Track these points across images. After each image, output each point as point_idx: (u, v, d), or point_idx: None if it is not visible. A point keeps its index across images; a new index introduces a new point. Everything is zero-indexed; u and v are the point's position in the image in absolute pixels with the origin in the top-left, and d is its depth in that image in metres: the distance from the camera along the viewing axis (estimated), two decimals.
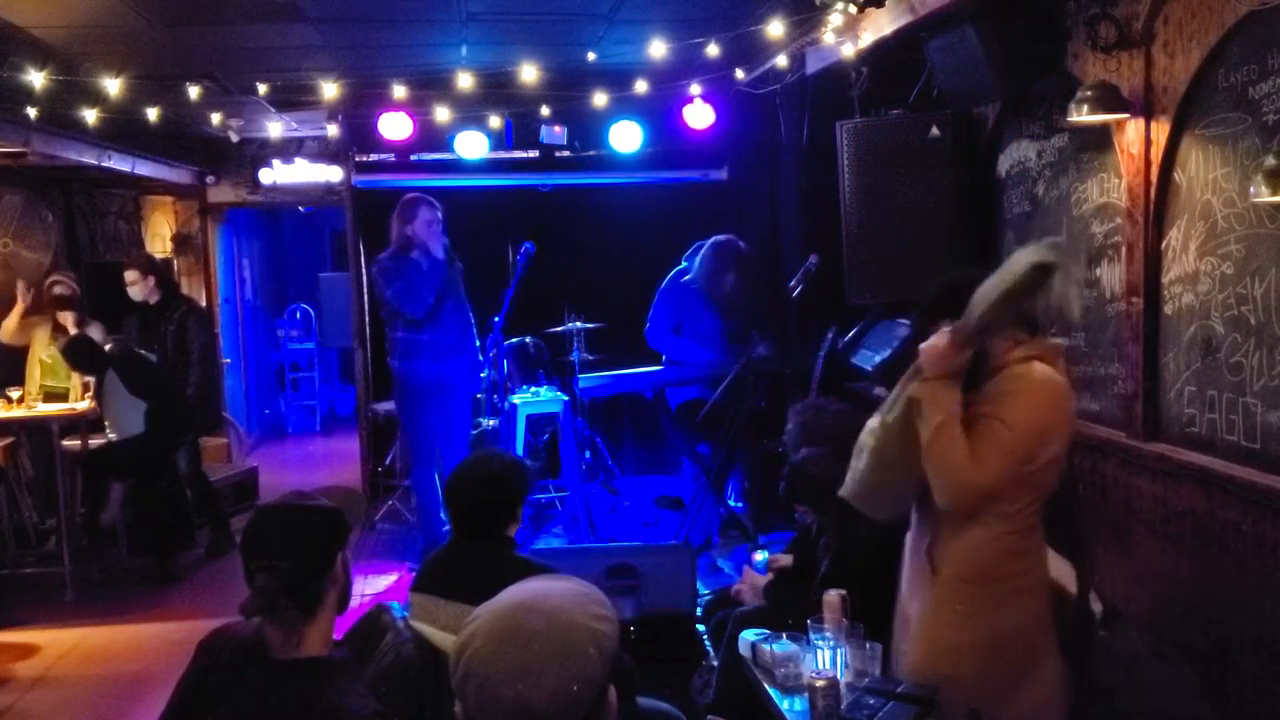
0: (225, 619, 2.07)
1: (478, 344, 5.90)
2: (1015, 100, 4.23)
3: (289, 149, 8.35)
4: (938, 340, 2.44)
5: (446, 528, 5.50)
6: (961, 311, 2.49)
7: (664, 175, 6.94)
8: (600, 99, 5.84)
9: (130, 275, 6.31)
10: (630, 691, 2.61)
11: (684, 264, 6.03)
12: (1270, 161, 2.65)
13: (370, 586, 5.43)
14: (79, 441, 6.01)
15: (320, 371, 11.34)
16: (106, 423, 5.89)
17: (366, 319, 7.18)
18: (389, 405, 6.99)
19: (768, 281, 6.22)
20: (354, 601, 2.12)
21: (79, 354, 5.79)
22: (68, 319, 6.25)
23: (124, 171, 7.00)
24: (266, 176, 8.44)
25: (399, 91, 5.76)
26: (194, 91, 5.58)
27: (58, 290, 6.29)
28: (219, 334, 8.61)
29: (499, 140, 6.56)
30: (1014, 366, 2.49)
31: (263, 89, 5.92)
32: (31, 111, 5.24)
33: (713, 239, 5.92)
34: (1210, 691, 3.02)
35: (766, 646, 2.96)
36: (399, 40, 5.47)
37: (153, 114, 5.76)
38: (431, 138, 6.48)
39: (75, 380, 6.22)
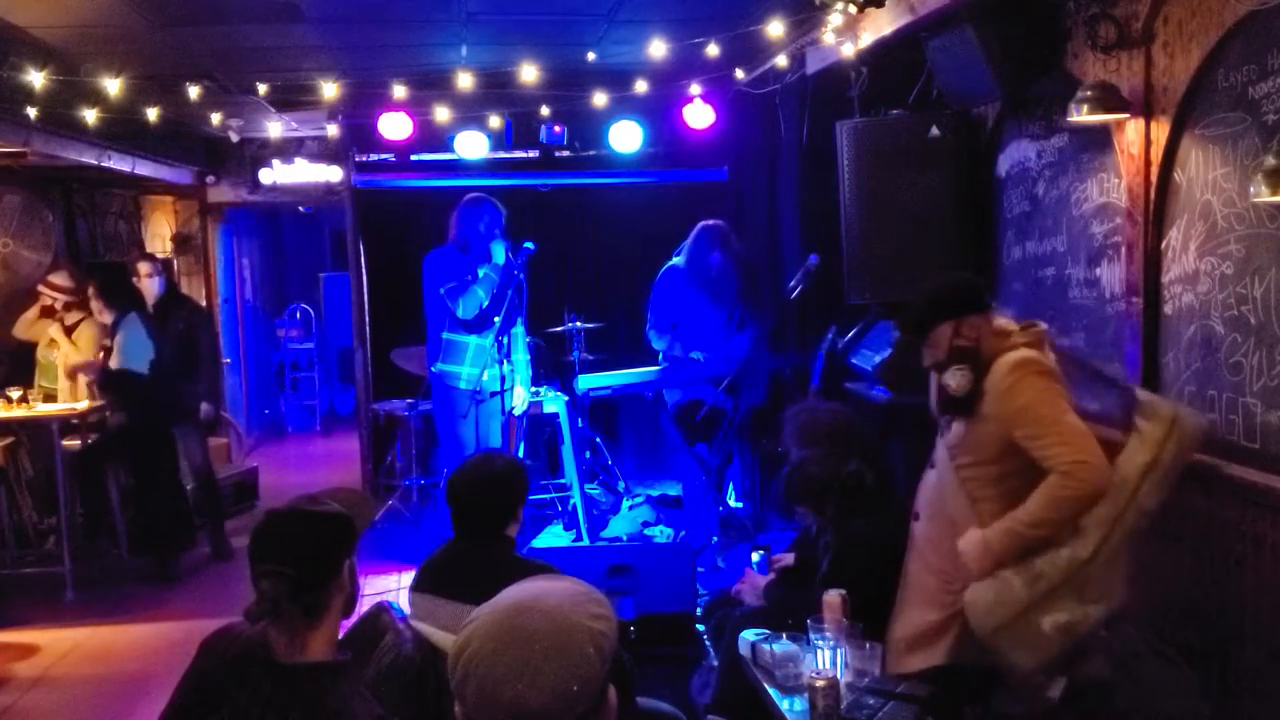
0: (225, 619, 2.06)
1: (522, 356, 5.82)
2: (1015, 100, 4.23)
3: (289, 149, 8.35)
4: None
5: None
6: (962, 308, 2.78)
7: (664, 175, 6.94)
8: (600, 99, 5.84)
9: (145, 267, 6.34)
10: (630, 691, 2.60)
11: (675, 257, 6.03)
12: (1270, 161, 2.65)
13: (370, 587, 5.42)
14: (79, 441, 6.01)
15: (320, 371, 11.34)
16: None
17: (366, 319, 7.18)
18: (389, 405, 6.99)
19: (767, 281, 6.22)
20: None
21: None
22: (56, 327, 6.32)
23: (124, 171, 7.01)
24: (266, 176, 8.45)
25: (399, 91, 5.76)
26: (194, 91, 5.57)
27: (44, 305, 6.36)
28: (219, 334, 8.61)
29: (499, 140, 6.56)
30: (1003, 358, 2.75)
31: (263, 89, 5.92)
32: (31, 111, 5.24)
33: (700, 223, 5.91)
34: (1210, 691, 3.02)
35: (766, 646, 2.96)
36: (399, 40, 5.47)
37: (153, 114, 5.76)
38: (431, 138, 6.48)
39: (64, 383, 6.23)
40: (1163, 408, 2.78)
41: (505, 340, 5.56)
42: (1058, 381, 2.73)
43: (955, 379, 2.79)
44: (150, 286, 6.31)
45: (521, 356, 5.80)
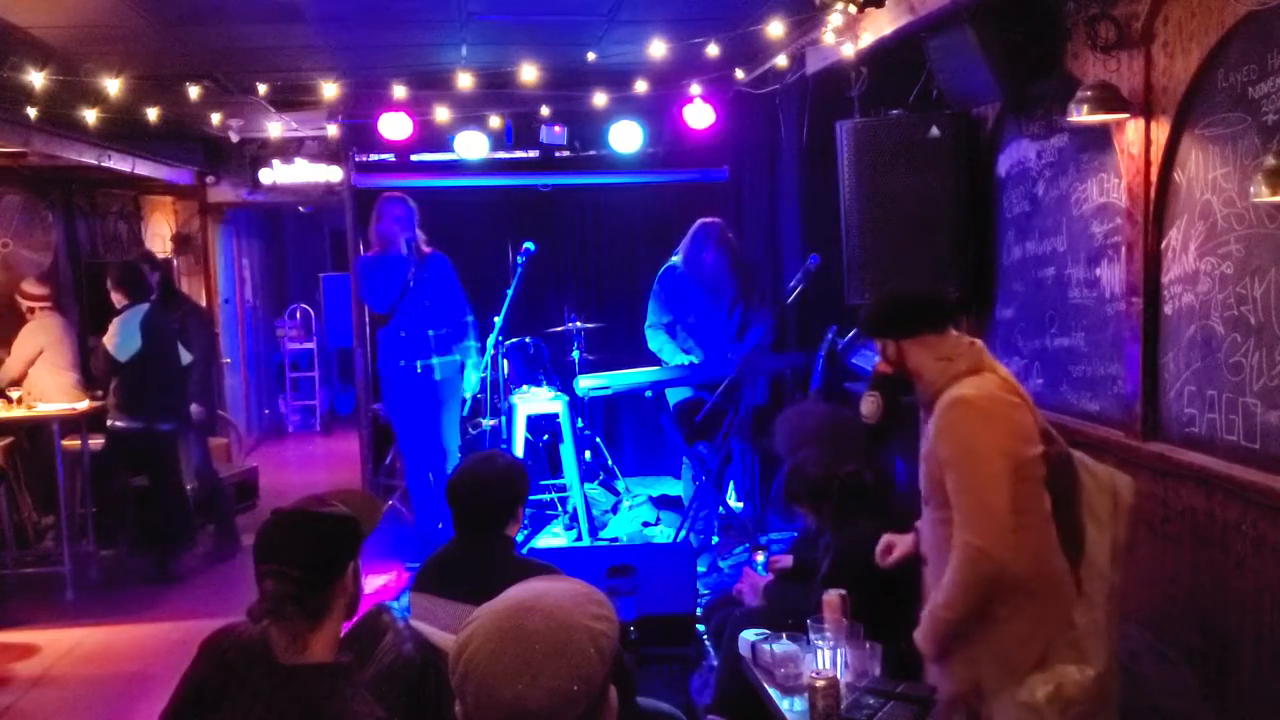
0: (226, 619, 2.07)
1: (469, 342, 5.85)
2: (1015, 100, 4.23)
3: (289, 149, 8.35)
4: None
5: (441, 525, 5.50)
6: (899, 329, 2.64)
7: (664, 175, 6.94)
8: (600, 99, 5.84)
9: None
10: (630, 691, 2.61)
11: (674, 256, 6.04)
12: (1270, 161, 2.65)
13: (369, 585, 5.43)
14: (79, 441, 6.01)
15: (320, 371, 11.35)
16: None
17: (366, 319, 7.19)
18: None
19: (768, 280, 6.22)
20: None
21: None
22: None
23: (124, 171, 7.01)
24: (266, 176, 8.45)
25: (399, 91, 5.76)
26: (194, 91, 5.57)
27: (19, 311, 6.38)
28: (219, 334, 8.61)
29: (499, 140, 6.56)
30: (944, 395, 2.55)
31: (263, 89, 5.92)
32: (31, 111, 5.24)
33: (697, 221, 5.92)
34: (1210, 691, 3.02)
35: (766, 646, 2.96)
36: (399, 40, 5.47)
37: (153, 114, 5.76)
38: (431, 138, 6.48)
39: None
40: (1100, 474, 2.69)
41: (439, 332, 5.66)
42: (997, 416, 2.49)
43: (865, 405, 2.69)
44: None
45: (471, 344, 5.84)
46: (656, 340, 6.01)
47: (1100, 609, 2.57)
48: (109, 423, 5.89)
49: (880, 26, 4.32)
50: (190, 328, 6.40)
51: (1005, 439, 2.47)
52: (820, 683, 2.59)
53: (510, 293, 5.90)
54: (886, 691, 2.58)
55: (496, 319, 5.93)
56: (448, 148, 6.54)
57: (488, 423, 6.23)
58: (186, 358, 6.18)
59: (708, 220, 5.88)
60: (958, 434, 2.49)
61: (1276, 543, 2.85)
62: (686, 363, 5.85)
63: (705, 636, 4.12)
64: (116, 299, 5.98)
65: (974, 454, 2.45)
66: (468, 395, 5.89)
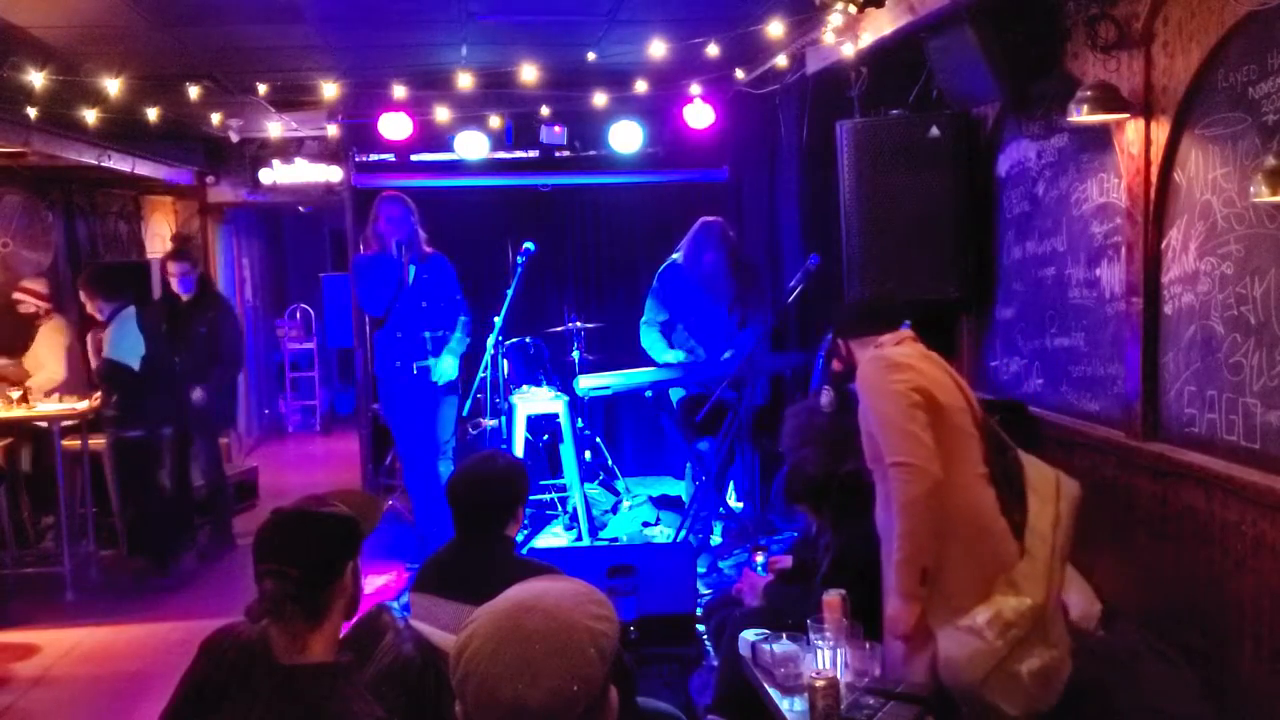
0: (225, 619, 2.07)
1: (456, 333, 5.81)
2: (1015, 100, 4.24)
3: (289, 149, 8.35)
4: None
5: (438, 527, 5.50)
6: (844, 331, 3.07)
7: (664, 175, 6.94)
8: (600, 99, 5.84)
9: (174, 267, 6.37)
10: (630, 691, 2.60)
11: (675, 254, 6.04)
12: (1270, 161, 2.65)
13: (369, 585, 5.42)
14: (79, 441, 6.00)
15: (320, 371, 11.35)
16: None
17: (366, 319, 7.19)
18: None
19: (768, 280, 6.22)
20: None
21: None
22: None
23: (124, 171, 7.02)
24: (266, 176, 8.45)
25: (399, 91, 5.76)
26: (194, 91, 5.57)
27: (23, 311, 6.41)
28: (243, 335, 8.58)
29: (499, 140, 6.56)
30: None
31: (263, 89, 5.92)
32: (31, 111, 5.24)
33: (700, 219, 5.92)
34: (1210, 691, 3.02)
35: (766, 646, 2.96)
36: (399, 40, 5.47)
37: (153, 114, 5.76)
38: (431, 138, 6.49)
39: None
40: (1043, 466, 2.88)
41: (435, 335, 5.62)
42: (906, 365, 2.76)
43: (824, 397, 3.23)
44: (179, 287, 6.35)
45: (458, 334, 5.77)
46: (648, 337, 5.99)
47: (1041, 561, 2.72)
48: (111, 437, 5.81)
49: (880, 26, 4.32)
50: (221, 328, 6.40)
51: (915, 378, 2.74)
52: (820, 683, 2.59)
53: (510, 292, 5.89)
54: (886, 691, 2.58)
55: (496, 319, 5.92)
56: (448, 148, 6.54)
57: (488, 423, 6.23)
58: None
59: (709, 219, 5.88)
60: (872, 380, 2.80)
61: (1276, 543, 2.85)
62: (675, 360, 5.84)
63: (705, 636, 4.12)
64: (98, 308, 5.82)
65: (886, 392, 2.73)
66: (439, 381, 5.68)
